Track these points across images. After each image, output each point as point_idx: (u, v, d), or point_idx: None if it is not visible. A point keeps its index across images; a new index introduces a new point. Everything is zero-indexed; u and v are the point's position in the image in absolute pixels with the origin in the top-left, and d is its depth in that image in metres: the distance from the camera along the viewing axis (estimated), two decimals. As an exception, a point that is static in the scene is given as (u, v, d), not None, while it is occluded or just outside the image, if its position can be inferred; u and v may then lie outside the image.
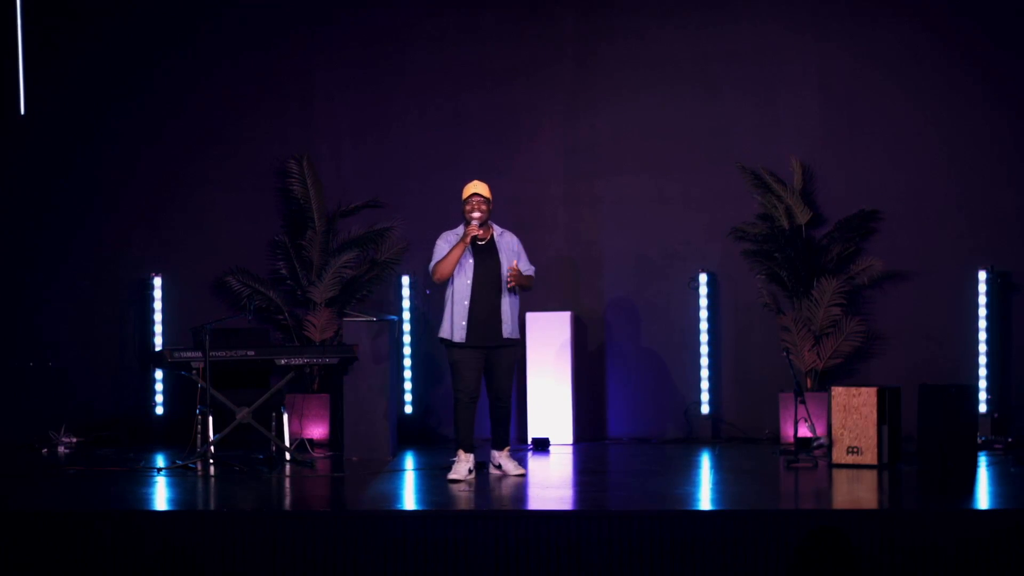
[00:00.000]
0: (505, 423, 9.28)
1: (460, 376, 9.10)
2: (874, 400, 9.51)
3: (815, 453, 9.90)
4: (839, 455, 9.56)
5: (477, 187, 9.21)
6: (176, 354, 9.81)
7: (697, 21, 11.55)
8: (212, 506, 8.44)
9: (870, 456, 9.48)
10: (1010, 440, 10.48)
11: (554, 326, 11.23)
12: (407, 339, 11.49)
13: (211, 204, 11.77)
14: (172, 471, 9.57)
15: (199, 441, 9.81)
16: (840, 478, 9.17)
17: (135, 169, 11.80)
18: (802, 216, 11.08)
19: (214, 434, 9.85)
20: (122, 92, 11.79)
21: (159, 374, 11.52)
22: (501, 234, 9.31)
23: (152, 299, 11.65)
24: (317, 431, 11.07)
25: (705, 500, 8.53)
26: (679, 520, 7.41)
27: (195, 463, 9.64)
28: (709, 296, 11.43)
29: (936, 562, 7.17)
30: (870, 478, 9.13)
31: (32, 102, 11.74)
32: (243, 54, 11.81)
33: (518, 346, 9.43)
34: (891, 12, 11.31)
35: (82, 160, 11.80)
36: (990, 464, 9.61)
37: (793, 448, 9.88)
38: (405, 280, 11.55)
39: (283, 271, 11.55)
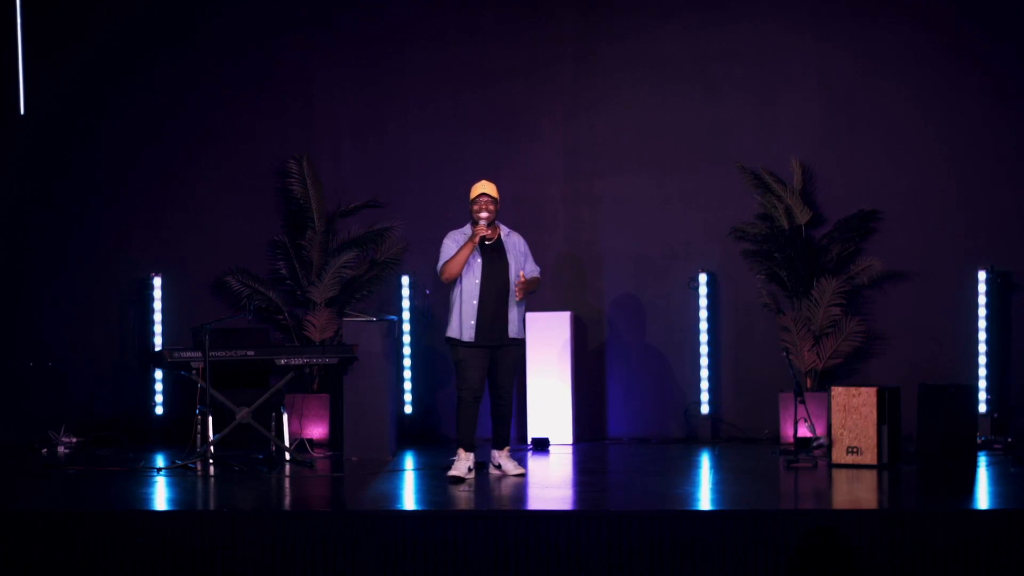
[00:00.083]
0: (506, 422, 9.30)
1: (465, 375, 9.12)
2: (874, 400, 9.52)
3: (815, 453, 9.90)
4: (839, 455, 9.56)
5: (485, 187, 9.23)
6: (176, 354, 9.82)
7: (697, 21, 11.55)
8: (212, 506, 8.44)
9: (870, 456, 9.48)
10: (1010, 440, 10.48)
11: (554, 326, 11.23)
12: (407, 339, 11.49)
13: (211, 204, 11.76)
14: (172, 471, 9.57)
15: (199, 441, 9.81)
16: (840, 478, 9.18)
17: (135, 169, 11.80)
18: (802, 216, 11.08)
19: (214, 434, 9.85)
20: (122, 92, 11.79)
21: (159, 374, 11.52)
22: (508, 234, 9.34)
23: (152, 299, 11.65)
24: (317, 431, 11.08)
25: (705, 500, 8.54)
26: (679, 520, 7.42)
27: (195, 463, 9.64)
28: (709, 296, 11.43)
29: (936, 562, 7.17)
30: (870, 478, 9.13)
31: (32, 102, 11.74)
32: (243, 54, 11.81)
33: (522, 345, 9.44)
34: (891, 12, 11.31)
35: (82, 160, 11.80)
36: (990, 464, 9.61)
37: (793, 448, 9.88)
38: (405, 280, 11.55)
39: (283, 271, 11.55)
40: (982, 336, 10.93)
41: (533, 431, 11.21)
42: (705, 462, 10.28)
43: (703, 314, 11.41)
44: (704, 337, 11.42)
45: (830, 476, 9.26)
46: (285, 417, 10.26)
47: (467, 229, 9.27)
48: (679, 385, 11.51)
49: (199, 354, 9.67)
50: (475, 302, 9.12)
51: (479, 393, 9.16)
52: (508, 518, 7.51)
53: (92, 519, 7.56)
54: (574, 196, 11.67)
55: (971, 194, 11.16)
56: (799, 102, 11.41)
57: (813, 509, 8.14)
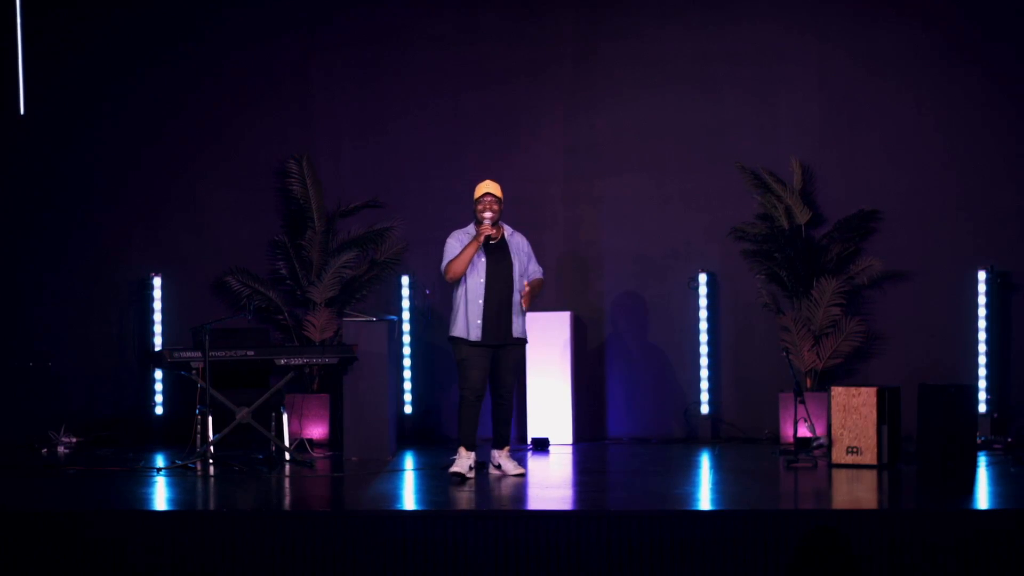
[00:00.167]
0: (507, 421, 9.31)
1: (468, 374, 9.14)
2: (874, 400, 9.51)
3: (815, 453, 9.90)
4: (839, 455, 9.56)
5: (490, 187, 9.25)
6: (176, 354, 9.81)
7: (697, 21, 11.55)
8: (212, 506, 8.44)
9: (870, 456, 9.48)
10: (1010, 440, 10.48)
11: (554, 326, 11.22)
12: (407, 339, 11.49)
13: (211, 204, 11.76)
14: (172, 471, 9.57)
15: (199, 441, 9.81)
16: (840, 478, 9.17)
17: (135, 169, 11.80)
18: (802, 216, 11.08)
19: (214, 434, 9.85)
20: (122, 92, 11.79)
21: (159, 374, 11.51)
22: (511, 234, 9.37)
23: (152, 299, 11.65)
24: (317, 431, 11.07)
25: (705, 500, 8.53)
26: (679, 520, 7.41)
27: (195, 463, 9.64)
28: (709, 296, 11.43)
29: (936, 562, 7.17)
30: (870, 478, 9.13)
31: (32, 102, 11.74)
32: (243, 54, 11.80)
33: (524, 345, 9.45)
34: (891, 12, 11.31)
35: (82, 160, 11.79)
36: (990, 464, 9.61)
37: (793, 448, 9.88)
38: (405, 280, 11.54)
39: (283, 271, 11.55)
40: (982, 336, 10.93)
41: (533, 431, 11.21)
42: (705, 462, 10.27)
43: (703, 314, 11.41)
44: (704, 337, 11.42)
45: (830, 476, 9.26)
46: (285, 417, 10.26)
47: (470, 229, 9.29)
48: (679, 385, 11.51)
49: (199, 354, 9.67)
50: (480, 301, 9.14)
51: (481, 392, 9.17)
52: (508, 518, 7.51)
53: (92, 519, 7.56)
54: (574, 196, 11.68)
55: (971, 194, 11.17)
56: (799, 102, 11.41)
57: (813, 509, 8.14)
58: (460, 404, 9.19)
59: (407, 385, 11.48)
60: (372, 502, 8.44)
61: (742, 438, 11.27)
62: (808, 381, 11.01)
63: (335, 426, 10.99)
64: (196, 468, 9.60)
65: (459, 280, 9.19)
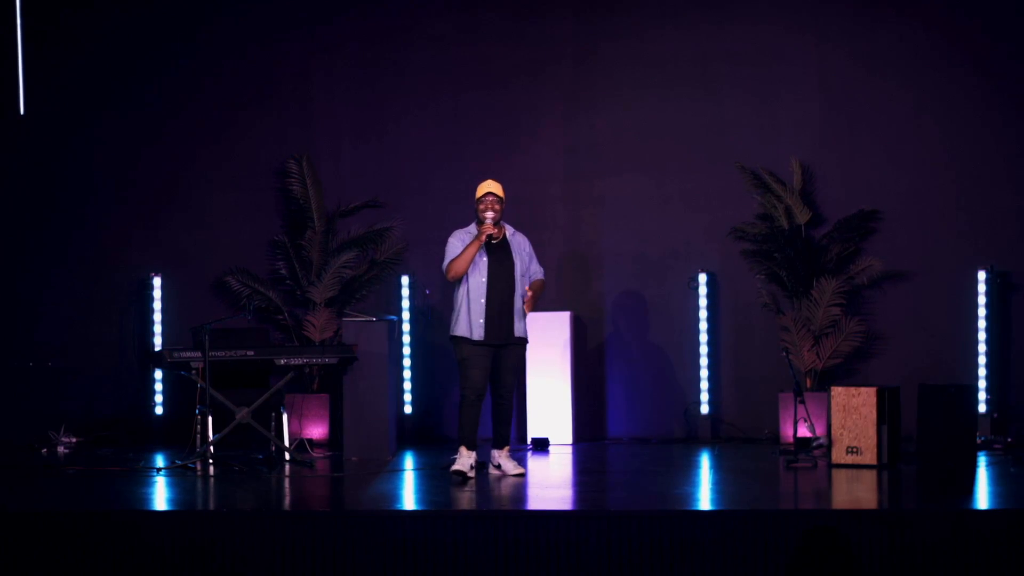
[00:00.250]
0: (507, 421, 9.32)
1: (469, 374, 9.14)
2: (873, 400, 9.51)
3: (815, 453, 9.90)
4: (838, 455, 9.56)
5: (491, 186, 9.25)
6: (176, 354, 9.81)
7: (697, 21, 11.55)
8: (212, 506, 8.44)
9: (869, 456, 9.48)
10: (1010, 440, 10.48)
11: (554, 326, 11.22)
12: (407, 339, 11.49)
13: (211, 204, 11.76)
14: (172, 471, 9.57)
15: (199, 441, 9.81)
16: (840, 478, 9.17)
17: (135, 169, 11.80)
18: (802, 216, 11.08)
19: (214, 434, 9.85)
20: (122, 92, 11.79)
21: (159, 374, 11.51)
22: (513, 234, 9.38)
23: (152, 299, 11.65)
24: (317, 431, 11.07)
25: (705, 500, 8.53)
26: (679, 520, 7.41)
27: (195, 463, 9.64)
28: (709, 296, 11.43)
29: (936, 562, 7.17)
30: (870, 478, 9.13)
31: (32, 102, 11.74)
32: (243, 54, 11.80)
33: (525, 345, 9.45)
34: (891, 12, 11.31)
35: (82, 160, 11.79)
36: (990, 464, 9.61)
37: (793, 448, 9.88)
38: (405, 280, 11.54)
39: (283, 271, 11.55)
40: (982, 336, 10.93)
41: (533, 431, 11.21)
42: (705, 462, 10.27)
43: (703, 314, 11.41)
44: (704, 337, 11.42)
45: (830, 476, 9.26)
46: (285, 417, 10.27)
47: (472, 228, 9.29)
48: (679, 385, 11.51)
49: (199, 354, 9.67)
50: (483, 301, 9.15)
51: (482, 392, 9.18)
52: (508, 518, 7.51)
53: (92, 519, 7.56)
54: (574, 196, 11.68)
55: (971, 194, 11.17)
56: (799, 102, 11.41)
57: (813, 509, 8.14)
58: (461, 404, 9.20)
59: (407, 385, 11.48)
60: (372, 502, 8.44)
61: (742, 438, 11.27)
62: (808, 381, 11.01)
63: (335, 426, 10.99)
64: (196, 468, 9.60)
65: (461, 279, 9.20)
